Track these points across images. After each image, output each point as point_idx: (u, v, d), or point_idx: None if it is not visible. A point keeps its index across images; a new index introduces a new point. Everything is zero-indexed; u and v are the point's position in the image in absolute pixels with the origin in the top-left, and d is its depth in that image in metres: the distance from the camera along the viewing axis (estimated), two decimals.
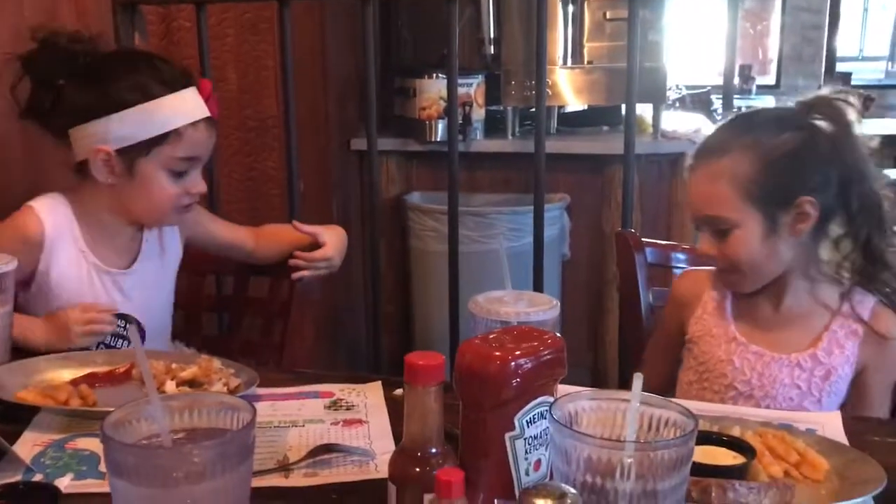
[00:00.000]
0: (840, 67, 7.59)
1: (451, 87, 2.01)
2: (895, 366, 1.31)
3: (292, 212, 2.22)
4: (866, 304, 1.30)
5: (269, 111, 2.68)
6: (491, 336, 0.74)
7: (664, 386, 1.39)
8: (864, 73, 8.03)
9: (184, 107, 1.39)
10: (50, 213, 1.41)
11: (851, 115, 1.27)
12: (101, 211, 1.45)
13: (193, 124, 1.39)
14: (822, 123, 1.27)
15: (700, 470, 0.86)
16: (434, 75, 2.94)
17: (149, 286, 1.51)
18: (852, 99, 1.29)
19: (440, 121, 2.91)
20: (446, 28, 1.99)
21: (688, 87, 6.37)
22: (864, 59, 8.98)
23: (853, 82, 6.06)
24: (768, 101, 7.21)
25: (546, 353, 0.73)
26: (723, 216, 1.26)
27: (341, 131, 3.08)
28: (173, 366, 1.21)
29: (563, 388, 0.77)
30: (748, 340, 1.32)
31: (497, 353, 0.70)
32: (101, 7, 1.88)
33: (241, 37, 2.61)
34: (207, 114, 1.42)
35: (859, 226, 1.26)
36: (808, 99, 1.30)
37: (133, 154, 1.38)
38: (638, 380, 0.69)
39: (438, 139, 2.94)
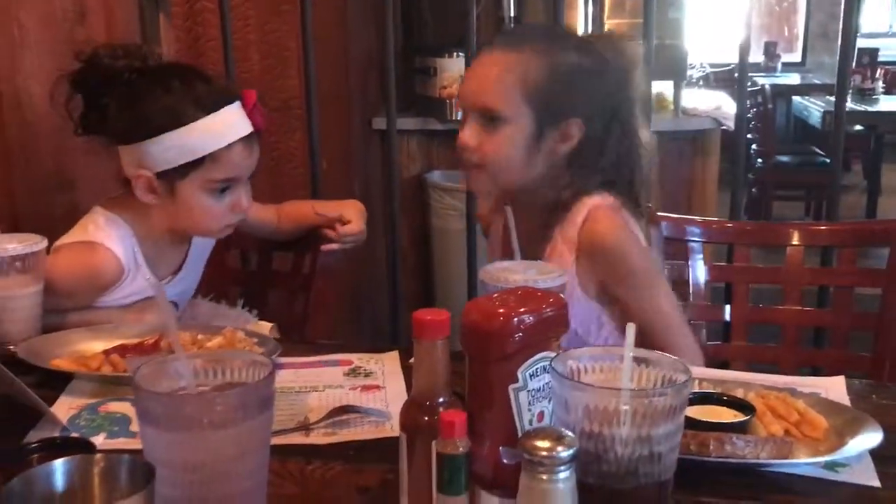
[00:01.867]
0: (869, 43, 7.48)
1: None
2: (628, 268, 1.27)
3: (315, 190, 2.27)
4: (582, 207, 1.27)
5: (291, 91, 2.71)
6: (496, 295, 0.78)
7: None
8: (894, 49, 7.89)
9: (218, 129, 1.36)
10: (120, 247, 1.41)
11: (636, 58, 1.31)
12: (156, 230, 1.45)
13: (228, 146, 1.36)
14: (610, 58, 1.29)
15: (701, 425, 0.90)
16: (455, 54, 2.97)
17: (189, 280, 1.57)
18: (639, 46, 1.34)
19: None
20: (465, 8, 2.01)
21: (712, 66, 6.34)
22: (894, 34, 8.83)
23: (880, 58, 5.97)
24: (794, 79, 7.16)
25: (548, 311, 0.76)
26: (499, 109, 1.25)
27: (363, 110, 3.11)
28: (199, 336, 1.26)
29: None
30: (521, 249, 1.24)
31: (500, 310, 0.74)
32: None
33: (264, 18, 2.65)
34: (247, 131, 1.39)
35: (614, 160, 1.28)
36: (600, 33, 1.32)
37: (171, 177, 1.37)
38: (630, 329, 0.73)
39: (459, 118, 2.96)
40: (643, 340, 1.22)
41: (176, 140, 1.34)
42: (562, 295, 0.81)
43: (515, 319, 0.73)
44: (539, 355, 0.76)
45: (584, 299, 1.29)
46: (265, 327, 1.42)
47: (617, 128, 1.29)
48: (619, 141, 1.29)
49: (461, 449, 0.67)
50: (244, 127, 1.39)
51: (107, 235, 1.41)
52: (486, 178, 1.31)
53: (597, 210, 1.28)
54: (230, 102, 1.38)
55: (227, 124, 1.37)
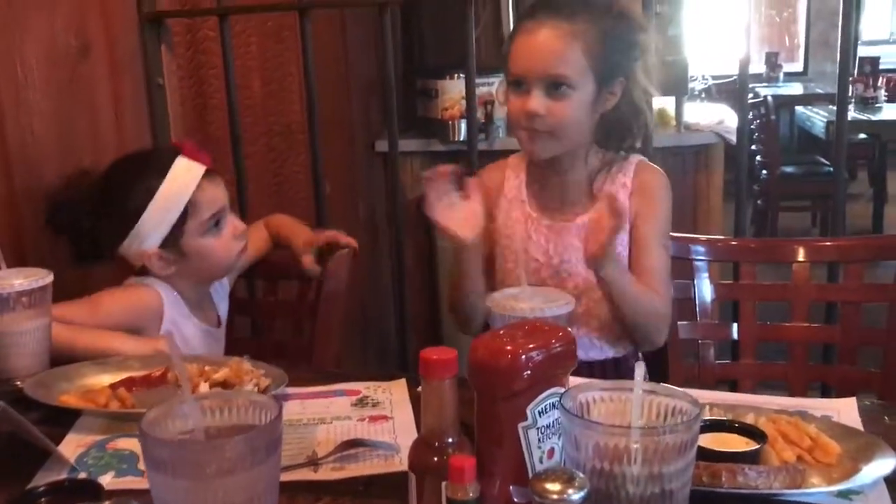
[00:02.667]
0: (870, 51, 7.49)
1: (470, 90, 2.05)
2: (658, 206, 1.45)
3: (319, 214, 2.27)
4: (631, 160, 1.47)
5: (294, 116, 2.73)
6: (503, 331, 0.77)
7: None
8: (895, 56, 7.90)
9: (181, 179, 1.47)
10: (164, 293, 1.51)
11: (643, 21, 1.45)
12: (186, 289, 1.55)
13: (198, 188, 1.47)
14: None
15: (712, 456, 0.89)
16: (455, 76, 2.98)
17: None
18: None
19: (462, 121, 2.95)
20: (463, 31, 2.02)
21: (714, 77, 6.35)
22: (895, 42, 8.85)
23: (881, 66, 5.96)
24: (796, 88, 7.16)
25: (557, 346, 0.76)
26: (568, 75, 1.35)
27: (366, 133, 3.12)
28: (206, 368, 1.25)
29: (573, 381, 0.80)
30: (540, 215, 1.46)
31: (508, 347, 0.74)
32: (128, 21, 1.93)
33: (265, 44, 2.66)
34: (202, 170, 1.49)
35: (634, 117, 1.43)
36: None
37: (172, 241, 1.48)
38: (640, 368, 0.72)
39: (461, 139, 2.97)
40: (637, 276, 1.40)
41: (155, 212, 1.45)
42: (569, 328, 0.80)
43: (523, 356, 0.73)
44: (548, 391, 0.76)
45: (626, 230, 1.43)
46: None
47: (640, 88, 1.42)
48: (640, 95, 1.42)
49: (471, 494, 0.67)
50: (197, 168, 1.49)
51: (152, 282, 1.51)
52: (554, 143, 1.40)
53: (646, 163, 1.48)
54: (174, 158, 1.49)
55: (185, 172, 1.48)
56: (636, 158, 1.48)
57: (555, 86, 1.36)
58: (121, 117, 1.88)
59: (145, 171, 1.48)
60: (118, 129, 1.87)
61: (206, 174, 1.50)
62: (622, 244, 1.42)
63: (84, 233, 1.49)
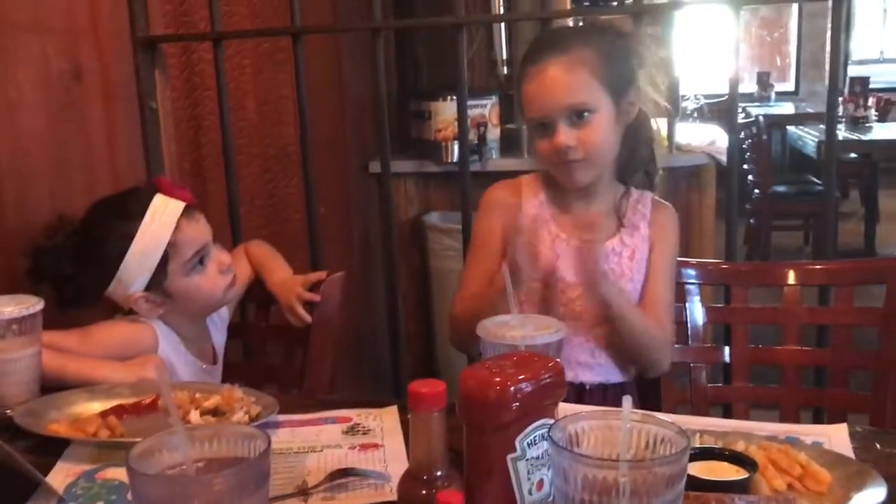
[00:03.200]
0: (861, 70, 7.55)
1: (462, 112, 2.05)
2: (671, 239, 1.53)
3: (313, 235, 2.27)
4: (646, 194, 1.54)
5: (288, 138, 2.74)
6: (491, 362, 0.77)
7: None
8: (885, 76, 7.97)
9: (160, 221, 1.46)
10: (161, 332, 1.51)
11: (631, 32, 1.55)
12: (179, 328, 1.55)
13: (177, 228, 1.46)
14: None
15: (702, 485, 0.89)
16: (448, 98, 3.00)
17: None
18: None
19: (456, 142, 2.96)
20: (454, 55, 2.03)
21: (707, 97, 6.39)
22: (885, 60, 8.92)
23: (871, 85, 6.01)
24: (788, 108, 7.21)
25: (546, 377, 0.76)
26: (585, 101, 1.40)
27: (360, 155, 3.14)
28: (197, 395, 1.25)
29: (563, 407, 0.80)
30: (569, 236, 1.48)
31: (497, 379, 0.74)
32: (122, 46, 1.94)
33: (259, 66, 2.68)
34: (181, 208, 1.48)
35: (637, 130, 1.49)
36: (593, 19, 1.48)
37: (156, 283, 1.48)
38: (627, 401, 0.72)
39: (454, 160, 2.99)
40: (644, 303, 1.46)
41: (135, 257, 1.44)
42: (558, 359, 0.81)
43: (512, 388, 0.73)
44: (537, 423, 0.76)
45: (646, 262, 1.51)
46: None
47: (645, 97, 1.49)
48: (650, 108, 1.50)
49: None
50: (175, 206, 1.48)
51: (148, 321, 1.51)
52: (590, 168, 1.45)
53: (659, 200, 1.55)
54: (150, 197, 1.47)
55: (161, 213, 1.46)
56: (650, 194, 1.55)
57: (577, 115, 1.40)
58: (114, 141, 1.89)
59: (122, 214, 1.46)
60: (111, 153, 1.88)
61: (186, 211, 1.48)
62: (636, 270, 1.48)
63: (66, 280, 1.48)
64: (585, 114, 1.40)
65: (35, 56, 1.65)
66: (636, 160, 1.53)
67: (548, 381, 0.76)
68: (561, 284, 1.46)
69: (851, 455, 1.04)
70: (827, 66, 1.96)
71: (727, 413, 1.72)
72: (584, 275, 1.38)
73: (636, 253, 1.49)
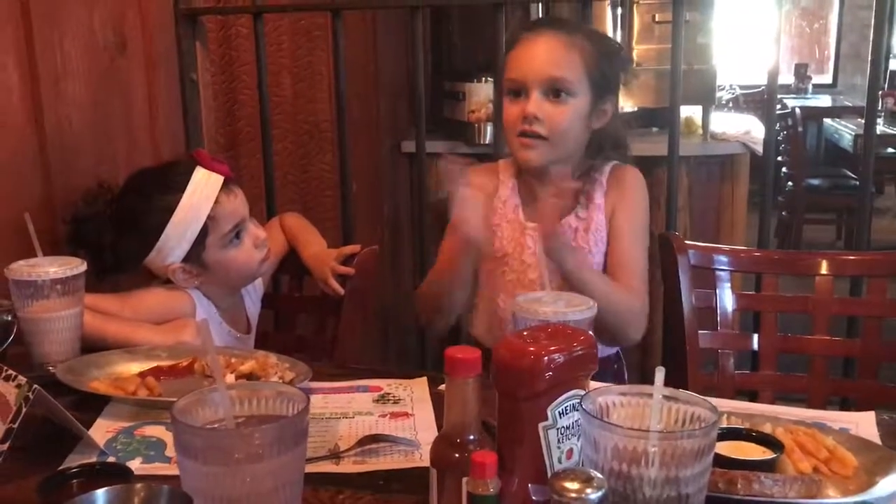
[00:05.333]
0: None
1: (498, 95, 2.05)
2: (633, 198, 1.51)
3: (345, 212, 2.30)
4: (607, 164, 1.52)
5: (322, 115, 2.76)
6: (526, 332, 0.79)
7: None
8: None
9: (200, 194, 1.48)
10: (198, 299, 1.55)
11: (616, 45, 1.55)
12: (214, 299, 1.58)
13: (216, 203, 1.49)
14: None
15: (728, 463, 0.90)
16: (483, 79, 3.00)
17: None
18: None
19: (489, 124, 2.96)
20: (493, 35, 2.03)
21: (742, 87, 6.32)
22: None
23: None
24: (825, 101, 7.11)
25: (578, 349, 0.78)
26: (569, 79, 1.41)
27: (393, 134, 3.15)
28: (232, 360, 1.28)
29: (594, 385, 0.81)
30: (529, 220, 1.48)
31: (531, 349, 0.75)
32: (165, 18, 1.97)
33: (296, 43, 2.70)
34: (220, 182, 1.50)
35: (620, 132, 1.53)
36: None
37: (195, 255, 1.50)
38: (660, 373, 0.74)
39: (487, 142, 2.99)
40: (611, 268, 1.45)
41: (176, 227, 1.47)
42: (590, 332, 0.82)
43: (546, 358, 0.75)
44: (569, 393, 0.77)
45: (605, 230, 1.49)
46: None
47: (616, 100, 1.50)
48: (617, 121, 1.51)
49: (491, 489, 0.69)
50: (216, 180, 1.50)
51: (185, 289, 1.54)
52: (548, 149, 1.43)
53: (621, 164, 1.52)
54: (191, 170, 1.49)
55: (202, 187, 1.49)
56: (612, 162, 1.53)
57: (554, 92, 1.41)
58: (154, 110, 1.92)
59: (164, 186, 1.49)
60: (152, 122, 1.91)
61: (224, 185, 1.50)
62: (593, 242, 1.48)
63: (105, 248, 1.51)
64: (563, 94, 1.40)
65: (82, 25, 1.68)
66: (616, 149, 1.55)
67: (580, 353, 0.78)
68: (523, 266, 1.47)
69: (878, 442, 1.05)
70: (869, 59, 1.93)
71: (753, 401, 1.72)
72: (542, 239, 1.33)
73: (591, 224, 1.47)
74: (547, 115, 1.40)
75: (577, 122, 1.43)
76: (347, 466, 1.01)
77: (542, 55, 1.41)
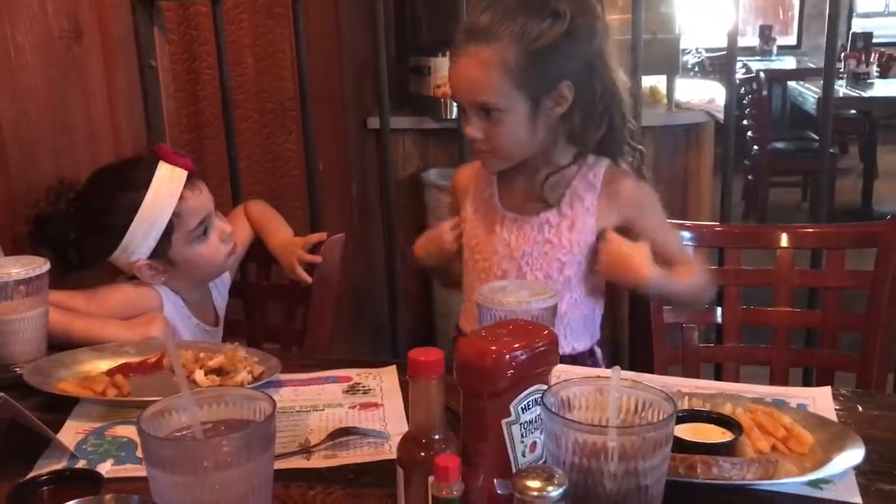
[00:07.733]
0: (865, 24, 7.47)
1: None
2: (653, 210, 1.47)
3: (312, 192, 2.29)
4: (601, 162, 1.46)
5: (286, 93, 2.74)
6: (486, 331, 0.80)
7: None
8: (890, 30, 7.89)
9: (165, 190, 1.47)
10: (166, 296, 1.55)
11: (594, 8, 1.39)
12: (183, 290, 1.58)
13: (181, 199, 1.48)
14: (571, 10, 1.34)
15: (688, 447, 0.93)
16: (448, 54, 2.98)
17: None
18: None
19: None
20: (456, 8, 2.03)
21: (708, 50, 6.32)
22: (891, 14, 8.82)
23: (875, 40, 5.96)
24: (789, 62, 7.16)
25: (540, 345, 0.79)
26: (493, 102, 1.34)
27: (358, 111, 3.13)
28: (201, 355, 1.28)
29: (560, 368, 0.83)
30: (505, 210, 1.47)
31: (493, 347, 0.76)
32: (121, 4, 1.94)
33: (257, 21, 2.66)
34: (183, 177, 1.49)
35: (601, 110, 1.39)
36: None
37: (161, 252, 1.50)
38: (616, 372, 0.75)
39: (453, 117, 2.98)
40: (662, 259, 1.41)
41: (141, 225, 1.46)
42: (552, 327, 0.83)
43: (507, 356, 0.76)
44: (531, 388, 0.79)
45: (591, 233, 1.44)
46: None
47: (598, 79, 1.37)
48: (603, 90, 1.38)
49: (455, 492, 0.70)
50: (179, 175, 1.49)
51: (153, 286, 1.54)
52: (499, 160, 1.44)
53: (615, 168, 1.46)
54: (154, 166, 1.48)
55: (166, 182, 1.48)
56: (607, 162, 1.46)
57: (485, 111, 1.35)
58: (114, 99, 1.90)
59: (126, 183, 1.47)
60: (112, 111, 1.89)
61: (188, 180, 1.49)
62: (574, 242, 1.43)
63: (70, 246, 1.50)
64: (493, 112, 1.35)
65: (35, 15, 1.64)
66: (614, 136, 1.44)
67: (541, 348, 0.79)
68: (495, 257, 1.46)
69: (834, 417, 1.08)
70: (826, 15, 1.94)
71: (718, 372, 1.76)
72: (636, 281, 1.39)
73: (577, 223, 1.42)
74: (485, 133, 1.37)
75: (519, 130, 1.36)
76: (318, 461, 1.02)
77: (464, 81, 1.36)
